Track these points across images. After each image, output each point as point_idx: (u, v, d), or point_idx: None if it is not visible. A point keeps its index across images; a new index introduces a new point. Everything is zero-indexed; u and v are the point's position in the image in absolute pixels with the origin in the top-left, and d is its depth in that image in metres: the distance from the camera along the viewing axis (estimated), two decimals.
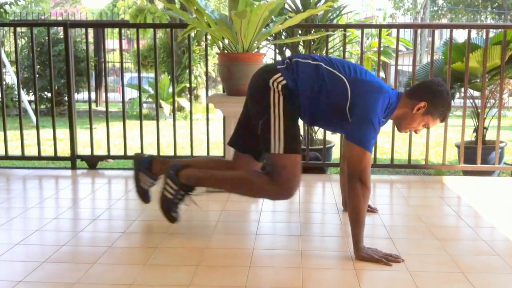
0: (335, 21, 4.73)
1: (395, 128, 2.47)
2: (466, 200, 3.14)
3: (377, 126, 2.17)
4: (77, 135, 4.02)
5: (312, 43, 4.21)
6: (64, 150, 5.81)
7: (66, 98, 9.85)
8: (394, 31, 5.47)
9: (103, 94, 12.30)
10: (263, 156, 2.43)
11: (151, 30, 7.28)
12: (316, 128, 4.56)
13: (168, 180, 2.39)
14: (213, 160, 2.72)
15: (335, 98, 2.22)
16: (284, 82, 2.21)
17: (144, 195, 2.66)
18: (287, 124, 2.21)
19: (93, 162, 4.07)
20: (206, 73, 4.14)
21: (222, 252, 2.23)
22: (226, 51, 3.24)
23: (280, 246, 2.31)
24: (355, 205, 2.14)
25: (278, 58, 4.77)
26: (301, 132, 4.53)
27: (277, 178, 2.22)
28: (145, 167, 2.58)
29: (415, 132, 2.40)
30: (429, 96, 2.26)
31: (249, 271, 2.02)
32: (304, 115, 2.30)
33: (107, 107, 4.05)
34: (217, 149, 5.66)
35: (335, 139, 5.43)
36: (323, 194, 3.35)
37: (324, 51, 4.35)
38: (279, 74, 2.23)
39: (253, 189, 2.31)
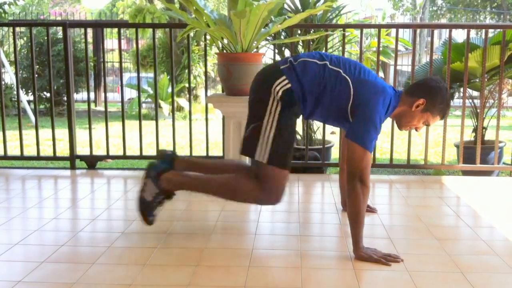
0: (334, 21, 4.73)
1: (395, 128, 2.48)
2: (465, 200, 3.14)
3: (378, 126, 2.18)
4: (76, 135, 4.02)
5: (311, 43, 4.21)
6: (63, 150, 5.80)
7: (65, 98, 9.85)
8: (393, 31, 5.47)
9: (102, 94, 12.30)
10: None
11: (150, 30, 7.29)
12: (315, 128, 4.56)
13: (147, 181, 2.35)
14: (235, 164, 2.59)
15: (338, 97, 2.22)
16: (288, 85, 2.18)
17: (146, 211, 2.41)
18: (277, 136, 2.18)
19: (92, 162, 4.07)
20: (205, 73, 4.14)
21: (221, 252, 2.23)
22: (225, 51, 3.24)
23: (279, 246, 2.32)
24: (354, 205, 2.14)
25: (278, 58, 4.77)
26: (297, 134, 4.53)
27: (261, 187, 2.21)
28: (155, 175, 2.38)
29: (416, 130, 2.40)
30: (427, 93, 2.27)
31: (248, 271, 2.02)
32: (305, 110, 2.29)
33: (106, 107, 4.05)
34: (217, 149, 5.66)
35: (334, 139, 5.43)
36: (322, 194, 3.35)
37: (323, 51, 4.35)
38: (283, 77, 2.19)
39: (237, 195, 2.30)
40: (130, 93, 13.20)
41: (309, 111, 2.28)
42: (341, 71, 2.23)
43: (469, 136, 4.89)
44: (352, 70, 2.25)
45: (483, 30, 3.96)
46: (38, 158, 4.13)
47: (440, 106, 2.30)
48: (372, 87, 2.22)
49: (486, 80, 4.23)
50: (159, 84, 10.37)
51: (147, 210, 2.37)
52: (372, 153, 3.88)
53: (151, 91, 10.79)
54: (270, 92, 2.18)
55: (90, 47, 12.59)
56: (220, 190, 2.32)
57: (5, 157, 4.10)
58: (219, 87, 8.45)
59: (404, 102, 2.30)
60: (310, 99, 2.23)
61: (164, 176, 2.34)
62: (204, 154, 4.12)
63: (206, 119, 3.98)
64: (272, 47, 4.45)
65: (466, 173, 4.25)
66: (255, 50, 3.22)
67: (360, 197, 2.13)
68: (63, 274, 1.98)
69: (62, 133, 6.42)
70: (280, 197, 2.26)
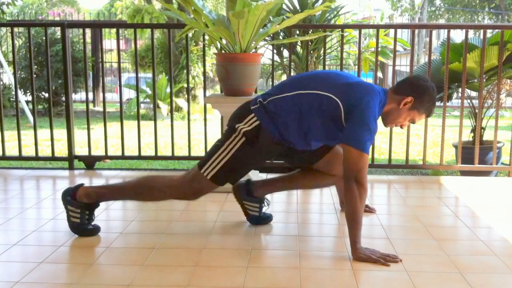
0: (332, 22, 4.74)
1: (394, 128, 2.48)
2: (463, 200, 3.14)
3: (374, 128, 2.16)
4: (74, 136, 4.02)
5: (310, 43, 4.21)
6: (61, 150, 5.80)
7: (63, 99, 9.86)
8: (391, 31, 5.48)
9: (101, 94, 12.29)
10: (316, 159, 2.46)
11: (149, 30, 7.28)
12: None
13: (68, 207, 2.40)
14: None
15: (327, 115, 2.20)
16: (254, 124, 2.24)
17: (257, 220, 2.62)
18: (230, 162, 2.25)
19: (90, 163, 4.06)
20: (204, 73, 4.15)
21: (220, 252, 2.23)
22: (223, 51, 3.23)
23: (278, 247, 2.32)
24: (352, 206, 2.14)
25: (276, 58, 4.77)
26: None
27: (191, 187, 2.29)
28: (245, 193, 2.58)
29: (401, 127, 2.40)
30: (415, 91, 2.28)
31: (247, 271, 2.02)
32: (298, 145, 2.30)
33: (104, 108, 4.04)
34: None
35: None
36: (320, 195, 3.35)
37: (321, 52, 4.35)
38: (251, 116, 2.25)
39: (155, 191, 2.35)
40: (129, 93, 13.19)
41: (302, 137, 2.26)
42: (318, 91, 2.20)
43: (467, 136, 4.89)
44: (329, 83, 2.23)
45: (481, 31, 3.96)
46: (37, 158, 4.12)
47: (427, 105, 2.32)
48: (359, 88, 2.21)
49: (484, 80, 4.24)
50: (157, 84, 10.34)
51: (81, 229, 2.42)
52: (370, 153, 3.89)
53: (149, 91, 10.78)
54: (235, 128, 2.26)
55: (89, 47, 12.58)
56: (137, 190, 2.39)
57: (4, 157, 4.09)
58: (218, 87, 8.45)
59: (392, 99, 2.30)
60: (293, 127, 2.22)
61: (79, 193, 2.39)
62: (203, 154, 4.11)
63: (205, 119, 3.97)
64: (270, 47, 4.45)
65: (464, 173, 4.26)
66: (253, 50, 3.22)
67: (357, 198, 2.13)
68: (62, 274, 1.98)
69: (60, 133, 6.42)
70: (193, 199, 2.39)
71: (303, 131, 2.24)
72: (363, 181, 2.14)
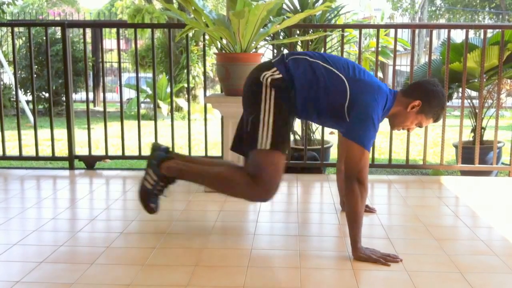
0: (333, 21, 4.73)
1: (399, 130, 2.47)
2: (464, 200, 3.14)
3: (376, 125, 2.18)
4: (75, 135, 4.02)
5: (310, 43, 4.21)
6: (61, 150, 5.80)
7: (64, 98, 9.86)
8: (392, 31, 5.47)
9: (101, 94, 12.29)
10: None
11: (149, 30, 7.28)
12: (314, 128, 4.56)
13: (149, 170, 2.37)
14: (220, 163, 2.62)
15: (334, 96, 2.22)
16: (279, 76, 2.20)
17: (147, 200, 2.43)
18: (277, 120, 2.18)
19: (91, 162, 4.06)
20: (204, 73, 4.14)
21: (220, 252, 2.23)
22: (224, 51, 3.24)
23: (278, 246, 2.32)
24: (352, 206, 2.14)
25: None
26: (296, 134, 4.53)
27: (257, 179, 2.19)
28: (155, 164, 2.40)
29: (408, 130, 2.41)
30: (424, 95, 2.27)
31: (247, 271, 2.02)
32: (299, 111, 2.29)
33: (105, 107, 4.04)
34: (215, 149, 5.65)
35: (333, 139, 5.43)
36: (321, 194, 3.35)
37: (322, 52, 4.35)
38: (274, 69, 2.22)
39: (233, 187, 2.29)
40: (129, 93, 13.19)
41: (301, 108, 2.27)
42: (334, 70, 2.23)
43: (467, 136, 4.89)
44: (347, 70, 2.25)
45: (482, 31, 3.96)
46: (37, 158, 4.12)
47: (436, 109, 2.30)
48: (368, 86, 2.23)
49: (484, 80, 4.23)
50: (157, 84, 10.36)
51: (147, 197, 2.38)
52: (371, 153, 3.90)
53: (150, 91, 10.78)
54: (261, 82, 2.20)
55: (89, 47, 12.58)
56: (215, 180, 2.33)
57: (4, 157, 4.09)
58: (218, 87, 8.45)
59: (400, 102, 2.30)
60: (300, 95, 2.23)
61: (164, 164, 2.36)
62: (203, 154, 4.12)
63: (205, 119, 3.97)
64: (271, 47, 4.45)
65: (464, 173, 4.26)
66: (254, 50, 3.22)
67: (358, 197, 2.13)
68: (62, 274, 1.98)
69: (60, 133, 6.42)
70: (273, 192, 2.23)
71: (310, 99, 2.23)
72: (364, 181, 2.14)
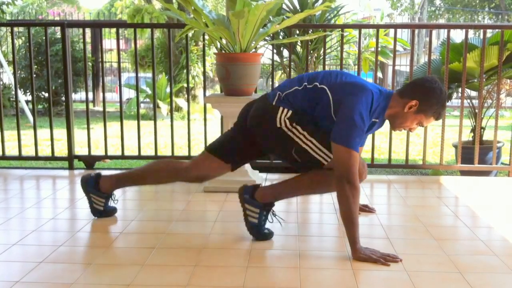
0: (332, 21, 4.74)
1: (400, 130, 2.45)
2: (463, 200, 3.14)
3: (361, 125, 2.13)
4: (74, 135, 4.02)
5: (310, 43, 4.21)
6: (61, 150, 5.80)
7: (63, 98, 9.85)
8: (391, 31, 5.48)
9: (101, 94, 12.28)
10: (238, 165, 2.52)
11: (149, 30, 7.27)
12: None
13: (246, 205, 2.39)
14: (159, 165, 2.64)
15: (322, 109, 2.23)
16: (290, 112, 2.23)
17: (106, 213, 2.69)
18: (315, 136, 2.22)
19: (90, 162, 4.06)
20: (204, 73, 4.14)
21: (220, 252, 2.23)
22: (223, 51, 3.23)
23: (278, 246, 2.32)
24: (346, 208, 2.13)
25: (276, 58, 4.77)
26: None
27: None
28: (93, 186, 2.63)
29: (410, 130, 2.38)
30: (420, 94, 2.23)
31: (247, 271, 2.02)
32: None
33: (104, 107, 4.04)
34: None
35: None
36: (320, 194, 3.34)
37: (321, 51, 4.35)
38: (281, 109, 2.24)
39: (324, 187, 2.32)
40: (129, 93, 13.18)
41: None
42: (317, 83, 2.25)
43: (467, 136, 4.89)
44: (328, 78, 2.27)
45: (481, 31, 3.96)
46: (36, 158, 4.12)
47: (435, 107, 2.24)
48: (349, 87, 2.21)
49: (484, 80, 4.23)
50: (157, 84, 10.33)
51: (260, 230, 2.40)
52: (370, 153, 3.90)
53: (149, 91, 10.78)
54: (281, 127, 2.23)
55: (89, 47, 12.58)
56: (313, 187, 2.36)
57: (3, 157, 4.09)
58: (218, 87, 8.44)
59: (397, 103, 2.26)
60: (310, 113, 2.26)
61: (258, 194, 2.40)
62: None
63: (205, 119, 3.97)
64: (270, 47, 4.45)
65: (464, 173, 4.26)
66: (253, 50, 3.22)
67: (350, 199, 2.11)
68: (61, 274, 1.98)
69: (60, 133, 6.41)
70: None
71: (314, 119, 2.27)
72: (354, 181, 2.11)
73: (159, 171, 2.56)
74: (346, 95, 2.18)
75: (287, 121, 2.22)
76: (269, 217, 2.44)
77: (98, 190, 2.62)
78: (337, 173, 2.13)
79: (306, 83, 2.27)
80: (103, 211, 2.65)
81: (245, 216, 2.40)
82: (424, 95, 2.23)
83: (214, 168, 2.48)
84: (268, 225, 2.64)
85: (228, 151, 2.46)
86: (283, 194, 2.46)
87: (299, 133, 2.22)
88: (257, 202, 2.38)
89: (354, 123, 2.11)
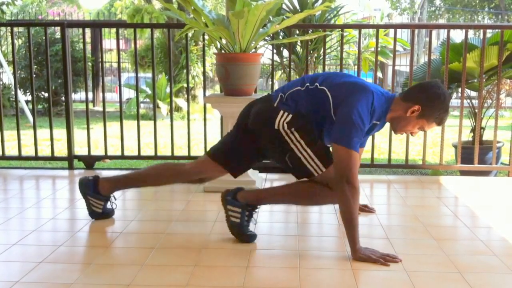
0: (332, 21, 4.74)
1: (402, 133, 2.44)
2: (463, 200, 3.14)
3: (361, 125, 2.12)
4: (74, 135, 4.02)
5: (310, 43, 4.21)
6: (61, 150, 5.80)
7: (63, 98, 9.85)
8: (391, 31, 5.48)
9: (100, 94, 12.26)
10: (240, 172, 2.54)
11: (149, 30, 7.27)
12: None
13: (228, 207, 2.38)
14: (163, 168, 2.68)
15: (322, 110, 2.22)
16: (290, 116, 2.22)
17: (104, 215, 2.67)
18: (311, 146, 2.22)
19: (90, 162, 4.06)
20: (204, 73, 4.14)
21: (220, 252, 2.23)
22: (223, 51, 3.23)
23: (278, 246, 2.32)
24: (345, 208, 2.13)
25: (276, 58, 4.77)
26: None
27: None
28: (92, 190, 2.61)
29: (411, 134, 2.37)
30: (424, 99, 2.20)
31: (247, 271, 2.02)
32: (321, 134, 2.31)
33: (104, 107, 4.04)
34: None
35: None
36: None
37: (321, 51, 4.35)
38: (281, 112, 2.24)
39: (316, 198, 2.33)
40: (128, 93, 13.18)
41: (318, 131, 2.29)
42: (317, 84, 2.25)
43: (467, 136, 4.89)
44: (329, 79, 2.26)
45: (481, 31, 3.96)
46: (36, 158, 4.12)
47: (437, 113, 2.23)
48: (349, 87, 2.21)
49: (484, 80, 4.23)
50: (157, 84, 10.33)
51: (241, 230, 2.38)
52: (370, 153, 3.90)
53: (149, 91, 10.78)
54: (278, 129, 2.23)
55: (88, 47, 12.57)
56: (301, 197, 2.36)
57: (3, 157, 4.09)
58: (217, 87, 8.44)
59: (399, 106, 2.24)
60: (313, 119, 2.26)
61: (240, 195, 2.39)
62: (202, 154, 4.10)
63: (205, 119, 3.97)
64: (270, 47, 4.45)
65: (464, 173, 4.26)
66: (253, 50, 3.22)
67: (350, 200, 2.10)
68: (61, 274, 1.98)
69: (60, 133, 6.41)
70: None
71: (319, 121, 2.26)
72: (354, 182, 2.11)
73: (160, 175, 2.58)
74: (345, 95, 2.17)
75: (286, 125, 2.22)
76: (252, 219, 2.41)
77: (97, 193, 2.61)
78: (336, 173, 2.13)
79: (308, 84, 2.27)
80: (101, 213, 2.65)
81: (227, 217, 2.38)
82: (428, 101, 2.20)
83: (216, 172, 2.53)
84: (268, 225, 2.64)
85: (230, 159, 2.47)
86: (267, 199, 2.44)
87: (296, 140, 2.22)
88: (238, 202, 2.36)
89: (353, 123, 2.10)
